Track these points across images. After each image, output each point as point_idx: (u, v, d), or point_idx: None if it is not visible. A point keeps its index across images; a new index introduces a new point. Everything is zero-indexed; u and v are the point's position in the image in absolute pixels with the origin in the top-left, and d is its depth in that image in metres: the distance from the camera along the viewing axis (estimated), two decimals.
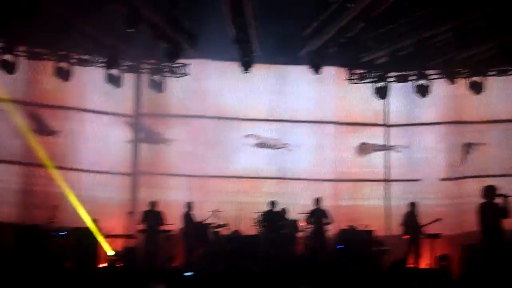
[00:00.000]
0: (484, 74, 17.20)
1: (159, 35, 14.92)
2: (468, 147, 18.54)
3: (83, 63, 17.05)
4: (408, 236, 16.24)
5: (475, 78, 17.16)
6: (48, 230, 14.74)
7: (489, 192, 11.74)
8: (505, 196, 11.55)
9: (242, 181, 18.56)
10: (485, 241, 11.67)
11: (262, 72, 18.47)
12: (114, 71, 16.95)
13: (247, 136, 18.82)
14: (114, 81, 17.05)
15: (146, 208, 16.42)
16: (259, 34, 15.51)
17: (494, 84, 17.76)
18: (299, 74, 18.75)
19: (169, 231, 16.35)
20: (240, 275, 5.93)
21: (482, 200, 11.72)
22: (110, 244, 15.83)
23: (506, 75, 17.64)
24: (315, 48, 16.35)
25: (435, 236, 15.97)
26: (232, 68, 17.67)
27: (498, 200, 11.63)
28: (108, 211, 17.04)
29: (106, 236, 15.73)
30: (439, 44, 15.97)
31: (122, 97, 18.15)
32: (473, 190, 17.44)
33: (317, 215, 16.52)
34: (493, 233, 11.55)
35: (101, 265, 15.27)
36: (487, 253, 11.51)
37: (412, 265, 15.48)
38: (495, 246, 11.47)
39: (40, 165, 17.07)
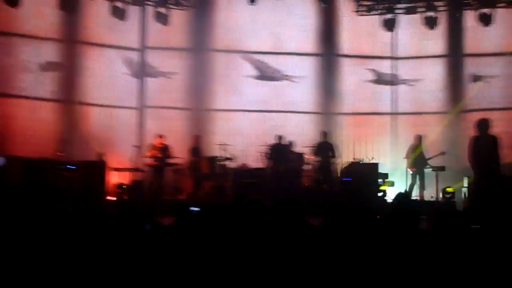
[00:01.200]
0: (494, 5, 16.97)
1: None
2: (475, 79, 18.41)
3: None
4: (414, 169, 16.31)
5: (484, 10, 16.95)
6: (56, 164, 14.81)
7: (482, 125, 11.71)
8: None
9: (249, 114, 18.56)
10: (478, 174, 11.69)
11: (268, 4, 18.28)
12: (119, 4, 16.79)
13: (253, 68, 18.73)
14: (119, 14, 16.91)
15: (153, 142, 16.46)
16: None
17: (504, 16, 17.55)
18: (306, 6, 18.57)
19: (176, 164, 16.44)
20: (251, 207, 5.96)
21: (475, 134, 11.72)
22: (118, 178, 15.95)
23: None
24: None
25: (440, 168, 16.01)
26: (238, 0, 17.48)
27: (491, 133, 11.63)
28: (115, 145, 17.10)
29: (114, 170, 15.82)
30: None
31: (127, 30, 17.99)
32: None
33: (324, 148, 16.56)
34: (486, 166, 11.54)
35: (109, 198, 15.39)
36: (486, 187, 11.53)
37: (417, 198, 15.58)
38: (491, 179, 11.48)
39: (47, 99, 17.11)
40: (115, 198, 15.20)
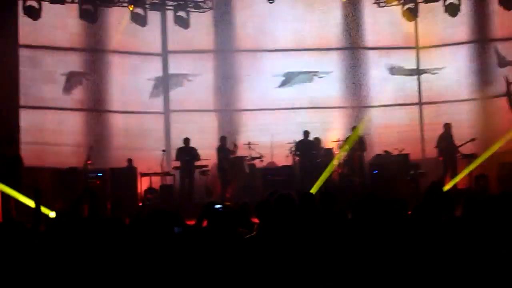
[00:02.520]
0: None
1: None
2: (502, 65, 18.18)
3: (107, 3, 16.96)
4: (444, 158, 16.15)
5: None
6: (85, 172, 14.91)
7: None
8: None
9: (274, 112, 18.51)
10: None
11: (287, 1, 18.22)
12: (139, 10, 16.87)
13: (277, 66, 18.69)
14: (139, 20, 16.99)
15: (180, 145, 16.47)
16: None
17: None
18: (326, 0, 18.49)
19: (204, 166, 16.45)
20: (281, 202, 5.93)
21: None
22: (148, 183, 15.99)
23: None
24: None
25: (471, 156, 15.84)
26: (257, 0, 17.50)
27: None
28: (143, 150, 17.16)
29: (142, 175, 15.88)
30: None
31: (149, 36, 18.05)
32: (506, 107, 17.29)
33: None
34: None
35: (140, 204, 15.44)
36: None
37: (450, 186, 15.42)
38: None
39: (74, 109, 17.27)
40: (146, 203, 15.24)
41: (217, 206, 6.32)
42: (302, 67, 18.81)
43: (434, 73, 18.75)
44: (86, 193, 7.80)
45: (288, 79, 18.79)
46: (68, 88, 17.30)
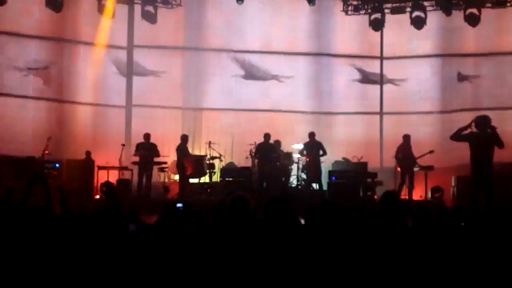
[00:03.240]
0: (481, 5, 17.01)
1: None
2: (462, 79, 18.48)
3: None
4: (402, 168, 16.31)
5: (471, 10, 16.98)
6: (43, 162, 14.74)
7: (482, 122, 11.71)
8: (495, 128, 11.57)
9: (236, 113, 18.53)
10: (475, 171, 11.73)
11: (256, 4, 18.26)
12: (106, 2, 16.74)
13: (242, 68, 18.71)
14: (106, 11, 16.86)
15: (140, 140, 16.37)
16: None
17: (490, 17, 17.62)
18: (294, 5, 18.56)
19: (163, 163, 16.39)
20: (236, 204, 5.93)
21: (474, 130, 11.71)
22: (105, 176, 15.87)
23: (503, 7, 17.44)
24: None
25: (429, 168, 16.02)
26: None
27: (489, 131, 11.64)
28: (103, 143, 17.04)
29: (100, 168, 15.76)
30: None
31: (115, 28, 17.90)
32: (466, 122, 17.52)
33: (311, 148, 16.54)
34: (483, 163, 11.60)
35: (96, 197, 15.33)
36: (476, 184, 11.61)
37: (405, 197, 15.57)
38: (484, 176, 11.55)
39: (35, 97, 17.07)
40: (103, 197, 15.13)
41: (179, 205, 6.32)
42: (267, 69, 18.85)
43: (397, 84, 18.95)
44: (36, 177, 7.69)
45: (250, 78, 18.81)
46: (30, 76, 17.08)
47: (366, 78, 19.09)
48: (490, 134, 11.56)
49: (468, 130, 11.65)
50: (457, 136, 11.85)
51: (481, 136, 11.57)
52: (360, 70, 19.09)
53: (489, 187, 11.46)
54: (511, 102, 17.95)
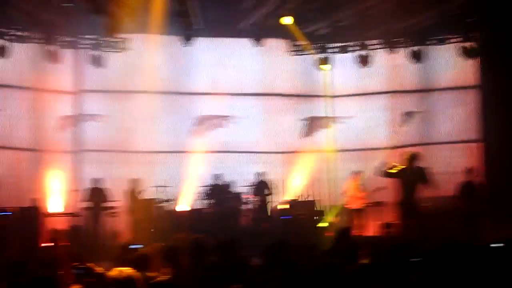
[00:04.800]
0: (424, 43, 17.42)
1: (97, 9, 14.64)
2: (409, 115, 18.80)
3: (20, 39, 16.65)
4: (352, 205, 16.43)
5: (415, 47, 17.38)
6: None
7: (413, 158, 12.03)
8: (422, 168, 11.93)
9: (186, 155, 18.44)
10: (402, 207, 12.01)
11: (204, 46, 18.36)
12: (52, 47, 16.63)
13: (190, 109, 18.71)
14: (52, 57, 16.74)
15: (90, 186, 16.19)
16: (200, 7, 15.38)
17: (434, 53, 18.06)
18: (242, 46, 18.70)
19: (113, 208, 16.20)
20: (193, 247, 5.90)
21: (405, 166, 11.99)
22: (54, 223, 15.58)
23: (445, 44, 17.91)
24: (256, 20, 16.31)
25: (378, 203, 16.17)
26: (174, 42, 17.51)
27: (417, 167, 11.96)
28: (51, 190, 16.76)
29: (50, 215, 15.48)
30: (379, 14, 16.13)
31: (62, 74, 17.75)
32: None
33: (261, 187, 16.58)
34: (409, 198, 11.89)
35: (45, 245, 15.01)
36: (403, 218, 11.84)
37: (357, 233, 15.65)
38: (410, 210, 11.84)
39: None
40: (51, 244, 14.81)
41: (133, 246, 6.24)
42: (216, 111, 18.89)
43: (343, 122, 19.16)
44: None
45: (201, 122, 18.81)
46: None
47: (312, 117, 19.26)
48: (417, 171, 11.88)
49: (396, 167, 11.95)
50: (384, 173, 12.13)
51: (408, 172, 11.88)
52: (306, 109, 19.26)
53: (414, 220, 11.78)
54: (456, 136, 18.32)
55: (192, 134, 18.64)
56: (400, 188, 12.02)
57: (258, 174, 16.79)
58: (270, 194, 16.59)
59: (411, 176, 11.89)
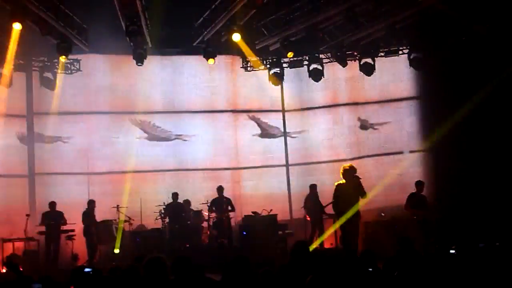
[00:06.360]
0: (374, 55, 17.66)
1: (48, 31, 14.53)
2: (363, 127, 19.03)
3: None
4: (311, 218, 16.53)
5: (365, 60, 17.60)
6: None
7: (349, 172, 12.28)
8: (359, 178, 12.14)
9: (143, 175, 18.32)
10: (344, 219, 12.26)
11: (156, 64, 18.35)
12: (3, 71, 16.42)
13: (144, 129, 18.61)
14: (3, 80, 16.52)
15: (45, 209, 15.98)
16: (151, 25, 15.37)
17: (384, 65, 18.33)
18: (194, 64, 18.73)
19: (70, 230, 15.99)
20: (151, 265, 5.87)
21: (342, 181, 12.23)
22: (10, 249, 15.33)
23: (395, 55, 18.19)
24: (208, 37, 16.36)
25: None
26: (126, 62, 17.44)
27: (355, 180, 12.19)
28: (5, 215, 16.47)
29: (5, 241, 15.24)
30: (330, 28, 16.35)
31: (13, 97, 17.48)
32: (370, 168, 18.11)
33: (220, 204, 16.57)
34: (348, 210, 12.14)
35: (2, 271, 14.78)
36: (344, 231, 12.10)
37: (317, 246, 15.73)
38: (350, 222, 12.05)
39: None
40: (6, 270, 14.58)
41: (87, 269, 6.20)
42: (171, 129, 18.83)
43: (295, 136, 19.28)
44: None
45: (156, 140, 18.73)
46: None
47: (267, 133, 19.34)
48: (355, 184, 12.14)
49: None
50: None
51: (347, 185, 12.12)
52: (262, 125, 19.33)
53: (354, 234, 12.01)
54: (411, 145, 18.61)
55: (147, 153, 18.51)
56: (342, 201, 12.29)
57: (217, 190, 16.77)
58: (231, 210, 16.57)
59: (350, 189, 12.17)
